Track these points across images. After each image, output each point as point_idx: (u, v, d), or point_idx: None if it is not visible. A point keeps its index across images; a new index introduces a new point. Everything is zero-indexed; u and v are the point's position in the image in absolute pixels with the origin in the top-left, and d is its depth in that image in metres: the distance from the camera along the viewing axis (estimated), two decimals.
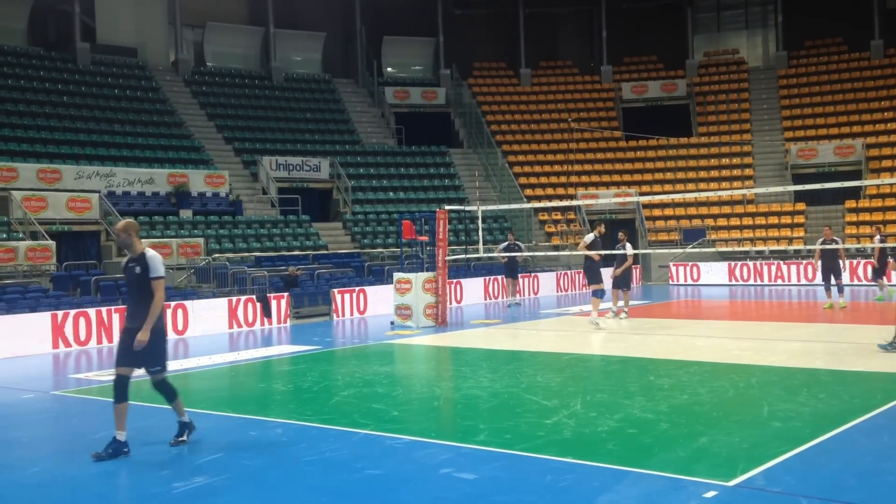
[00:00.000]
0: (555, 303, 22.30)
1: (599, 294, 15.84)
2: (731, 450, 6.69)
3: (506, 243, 21.81)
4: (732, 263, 26.14)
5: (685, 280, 26.82)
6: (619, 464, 6.45)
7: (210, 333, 16.35)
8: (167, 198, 24.15)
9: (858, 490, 5.58)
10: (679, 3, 38.06)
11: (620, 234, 17.61)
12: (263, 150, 28.85)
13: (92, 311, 14.92)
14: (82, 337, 14.75)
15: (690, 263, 26.81)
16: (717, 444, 6.88)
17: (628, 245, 16.96)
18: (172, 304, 15.75)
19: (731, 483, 5.79)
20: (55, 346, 14.42)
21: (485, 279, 23.34)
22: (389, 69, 37.58)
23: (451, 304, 21.49)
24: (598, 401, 9.00)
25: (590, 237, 16.04)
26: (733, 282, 25.96)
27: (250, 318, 17.11)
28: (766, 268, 25.57)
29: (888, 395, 8.40)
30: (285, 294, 18.12)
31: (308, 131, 31.61)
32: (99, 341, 14.97)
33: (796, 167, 30.62)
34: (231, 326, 16.78)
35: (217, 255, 21.74)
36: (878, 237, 19.64)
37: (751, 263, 25.86)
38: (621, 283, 17.00)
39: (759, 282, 25.55)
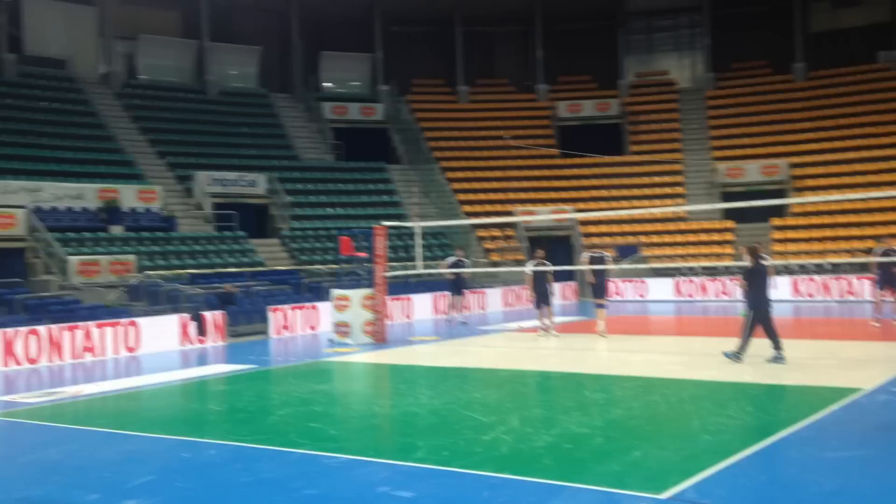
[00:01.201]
0: (500, 318, 22.40)
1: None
2: (664, 463, 6.85)
3: (453, 258, 21.25)
4: (679, 279, 26.53)
5: (633, 296, 27.14)
6: (555, 478, 6.54)
7: (144, 353, 15.94)
8: (97, 213, 23.50)
9: (783, 500, 5.78)
10: (611, 25, 39.00)
11: (538, 251, 17.52)
12: (198, 165, 28.35)
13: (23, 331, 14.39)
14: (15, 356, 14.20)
15: (637, 280, 27.17)
16: (649, 458, 7.04)
17: (546, 262, 17.20)
18: (118, 321, 15.30)
19: (663, 496, 5.93)
20: None
21: (434, 295, 23.35)
22: (327, 84, 37.44)
23: (400, 319, 21.74)
24: (535, 416, 9.11)
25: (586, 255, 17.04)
26: (678, 297, 26.37)
27: (183, 337, 16.74)
28: (709, 284, 26.02)
29: (813, 407, 8.72)
30: (220, 312, 17.80)
31: (244, 146, 31.21)
32: (26, 363, 14.44)
33: (725, 185, 31.59)
34: (164, 346, 16.38)
35: (150, 272, 21.23)
36: (881, 250, 16.73)
37: (696, 280, 26.30)
38: (547, 299, 16.76)
39: (704, 297, 25.95)
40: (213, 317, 17.44)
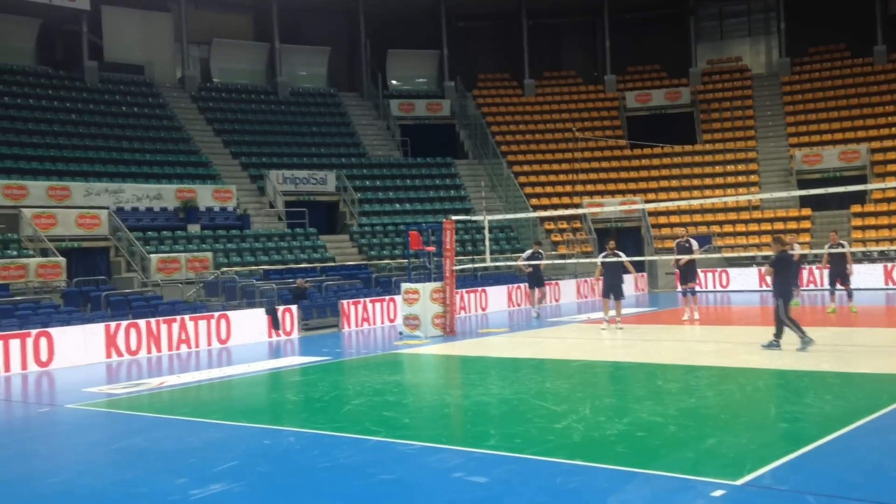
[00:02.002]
0: (573, 309, 22.26)
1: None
2: (739, 450, 6.78)
3: (530, 252, 20.97)
4: (764, 269, 25.53)
5: (714, 286, 26.52)
6: (628, 465, 6.55)
7: (234, 344, 16.49)
8: (175, 213, 24.35)
9: (864, 487, 5.66)
10: (682, 13, 38.23)
11: (611, 242, 17.33)
12: (270, 164, 29.07)
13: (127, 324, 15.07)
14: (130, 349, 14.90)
15: (719, 270, 26.54)
16: (724, 446, 6.97)
17: (621, 254, 16.94)
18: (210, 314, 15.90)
19: (739, 482, 5.88)
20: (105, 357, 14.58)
21: (508, 287, 23.71)
22: (394, 82, 37.83)
23: (475, 311, 22.14)
24: (607, 405, 9.10)
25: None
26: (764, 287, 25.39)
27: (269, 331, 17.24)
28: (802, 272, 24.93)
29: (894, 395, 8.48)
30: (293, 306, 18.25)
31: (314, 145, 31.83)
32: (119, 354, 15.11)
33: (801, 173, 30.66)
34: (238, 339, 16.90)
35: (225, 268, 21.90)
36: (828, 245, 18.49)
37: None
38: (617, 291, 16.46)
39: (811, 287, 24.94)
40: (286, 311, 17.89)
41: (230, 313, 16.94)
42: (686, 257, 17.43)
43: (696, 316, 17.61)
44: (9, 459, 8.03)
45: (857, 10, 34.90)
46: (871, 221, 27.69)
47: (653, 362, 11.84)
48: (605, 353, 13.58)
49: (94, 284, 19.59)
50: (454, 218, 18.39)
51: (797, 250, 18.75)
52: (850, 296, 17.71)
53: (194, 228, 24.16)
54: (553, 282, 24.88)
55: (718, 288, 26.46)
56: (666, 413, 8.41)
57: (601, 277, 16.76)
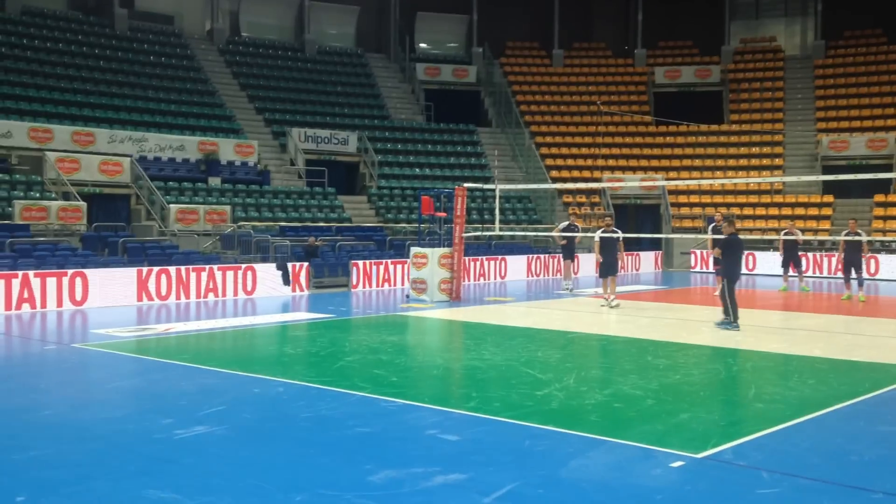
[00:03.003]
0: (592, 283, 22.34)
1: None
2: (708, 426, 6.93)
3: (566, 223, 20.59)
4: (817, 255, 25.18)
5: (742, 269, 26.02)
6: (597, 433, 6.72)
7: (227, 298, 16.85)
8: (197, 165, 24.66)
9: (820, 468, 5.79)
10: None
11: (607, 218, 17.26)
12: (293, 122, 29.24)
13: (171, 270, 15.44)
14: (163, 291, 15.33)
15: (746, 252, 26.03)
16: (695, 421, 7.12)
17: (618, 230, 16.74)
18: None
19: (700, 455, 6.03)
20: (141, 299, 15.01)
21: (528, 257, 24.04)
22: (422, 45, 37.68)
23: (494, 279, 22.52)
24: (592, 377, 9.26)
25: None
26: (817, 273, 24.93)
27: (274, 285, 17.60)
28: (825, 259, 24.81)
29: (878, 383, 8.55)
30: (305, 264, 18.53)
31: (338, 104, 31.93)
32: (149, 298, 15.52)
33: (827, 158, 30.28)
34: (251, 292, 17.25)
35: (243, 223, 22.21)
36: (784, 231, 20.15)
37: (809, 255, 25.02)
38: (613, 269, 16.27)
39: (817, 273, 24.80)
40: (299, 268, 18.18)
41: (256, 266, 17.42)
42: (784, 238, 18.77)
43: (807, 289, 19.07)
44: (8, 392, 8.38)
45: None
46: (894, 212, 27.35)
47: (648, 338, 11.95)
48: (602, 326, 13.71)
49: (113, 230, 20.00)
50: (466, 185, 18.49)
51: (799, 236, 19.54)
52: (860, 284, 17.65)
53: (215, 181, 24.47)
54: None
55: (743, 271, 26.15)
56: (647, 387, 8.55)
57: (598, 253, 16.38)
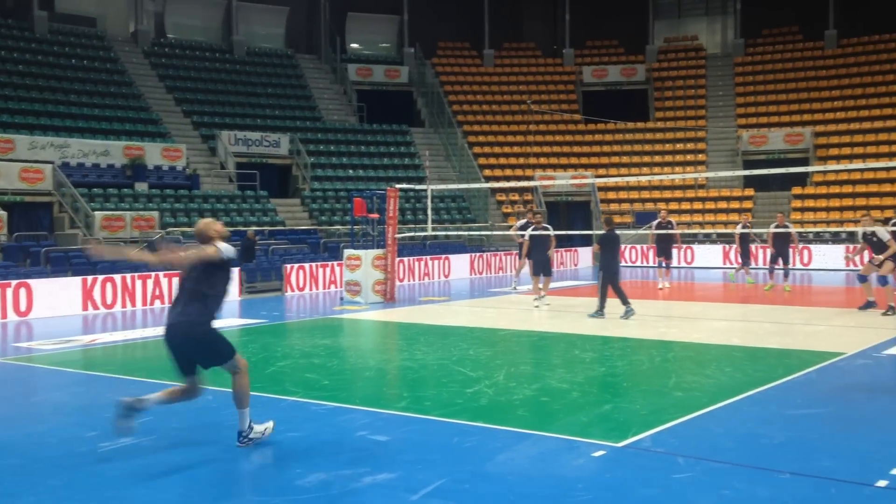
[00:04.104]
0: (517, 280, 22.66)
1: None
2: (630, 416, 7.18)
3: (524, 220, 19.17)
4: (727, 246, 25.88)
5: (679, 262, 26.39)
6: (524, 427, 6.90)
7: (156, 307, 16.57)
8: (122, 170, 24.11)
9: (732, 451, 6.07)
10: None
11: (537, 215, 17.27)
12: (222, 125, 28.84)
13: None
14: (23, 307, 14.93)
15: (684, 246, 26.25)
16: (618, 411, 7.37)
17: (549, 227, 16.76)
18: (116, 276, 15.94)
19: (621, 444, 6.26)
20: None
21: (471, 256, 24.46)
22: (353, 45, 37.58)
23: (439, 278, 22.91)
24: (521, 372, 9.46)
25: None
26: (727, 264, 25.57)
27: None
28: (761, 251, 25.37)
29: (790, 369, 8.96)
30: (237, 269, 18.33)
31: (269, 106, 31.61)
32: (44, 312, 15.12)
33: (747, 153, 31.36)
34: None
35: (172, 228, 21.83)
36: (740, 225, 20.47)
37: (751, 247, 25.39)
38: (547, 268, 16.23)
39: (756, 265, 25.26)
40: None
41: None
42: (656, 232, 18.69)
43: (668, 285, 19.11)
44: None
45: None
46: (811, 203, 28.49)
47: (576, 333, 12.24)
48: (533, 323, 13.95)
49: (35, 240, 19.43)
50: (398, 186, 18.57)
51: (791, 229, 19.03)
52: (786, 275, 18.37)
53: (141, 187, 23.97)
54: (497, 252, 25.34)
55: (683, 264, 26.80)
56: (573, 380, 8.79)
57: (527, 253, 16.35)
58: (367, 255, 17.27)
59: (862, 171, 27.18)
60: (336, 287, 19.74)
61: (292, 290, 19.25)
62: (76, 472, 5.91)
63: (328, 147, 30.93)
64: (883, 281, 13.80)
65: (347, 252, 17.66)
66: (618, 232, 14.13)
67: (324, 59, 36.12)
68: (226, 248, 6.33)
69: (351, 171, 30.35)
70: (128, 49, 30.97)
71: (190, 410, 7.78)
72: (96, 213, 20.91)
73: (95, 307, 15.80)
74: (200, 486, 5.57)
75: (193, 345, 6.38)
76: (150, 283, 16.66)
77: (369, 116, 34.11)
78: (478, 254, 24.83)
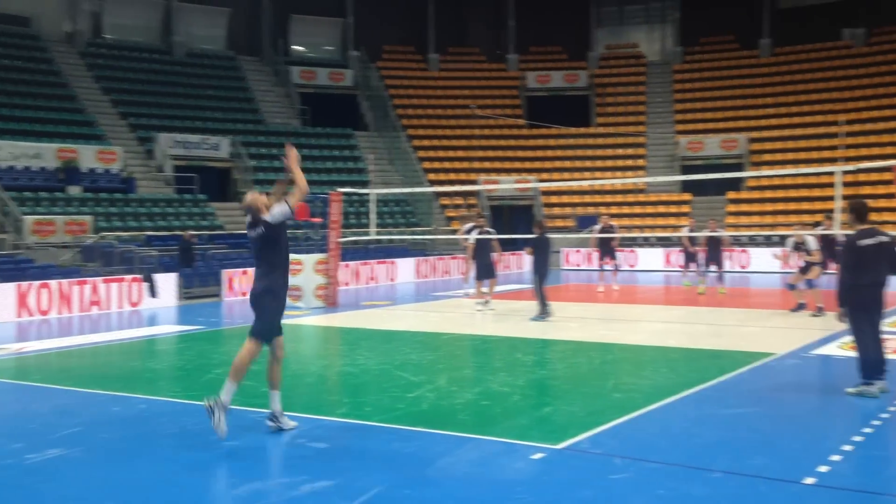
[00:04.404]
0: (460, 284, 22.72)
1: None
2: (569, 418, 7.24)
3: (470, 225, 17.74)
4: (667, 250, 26.39)
5: (624, 265, 26.55)
6: (465, 432, 6.89)
7: (93, 313, 16.12)
8: (55, 173, 23.40)
9: (666, 451, 6.17)
10: None
11: (479, 219, 16.82)
12: (160, 127, 28.23)
13: None
14: None
15: (629, 248, 26.80)
16: (557, 413, 7.42)
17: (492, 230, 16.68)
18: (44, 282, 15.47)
19: (559, 446, 6.30)
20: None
21: (416, 259, 24.58)
22: (297, 48, 37.22)
23: (386, 282, 23.00)
24: (463, 376, 9.47)
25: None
26: (668, 267, 26.09)
27: (135, 298, 16.92)
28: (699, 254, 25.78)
29: (723, 369, 9.16)
30: (174, 274, 17.96)
31: (209, 108, 31.07)
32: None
33: (685, 159, 32.05)
34: (120, 306, 16.57)
35: (106, 233, 21.26)
36: (685, 229, 20.68)
37: (654, 250, 26.16)
38: (491, 271, 15.91)
39: (668, 267, 25.76)
40: (166, 278, 17.58)
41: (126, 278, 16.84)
42: (597, 236, 18.83)
43: (616, 287, 19.28)
44: None
45: (746, 4, 36.51)
46: (745, 208, 29.24)
47: (518, 336, 12.30)
48: (476, 327, 13.98)
49: None
50: (341, 190, 18.44)
51: (723, 233, 19.53)
52: (720, 278, 18.79)
53: (75, 190, 23.30)
54: (441, 256, 25.39)
55: (626, 267, 26.98)
56: (515, 384, 8.82)
57: (471, 256, 16.18)
58: (309, 259, 17.10)
59: (794, 176, 28.01)
60: None
61: (231, 296, 18.93)
62: (1, 486, 5.68)
63: (270, 150, 30.54)
64: (810, 284, 14.30)
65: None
66: (549, 236, 14.38)
67: (266, 61, 35.69)
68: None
69: None
70: (63, 49, 30.11)
71: (123, 420, 7.58)
72: (26, 217, 20.26)
73: (31, 314, 15.24)
74: (133, 498, 5.41)
75: None
76: (87, 289, 16.10)
77: (313, 119, 33.81)
78: (423, 258, 24.85)
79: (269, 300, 6.93)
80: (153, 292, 17.12)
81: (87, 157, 24.13)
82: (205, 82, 32.36)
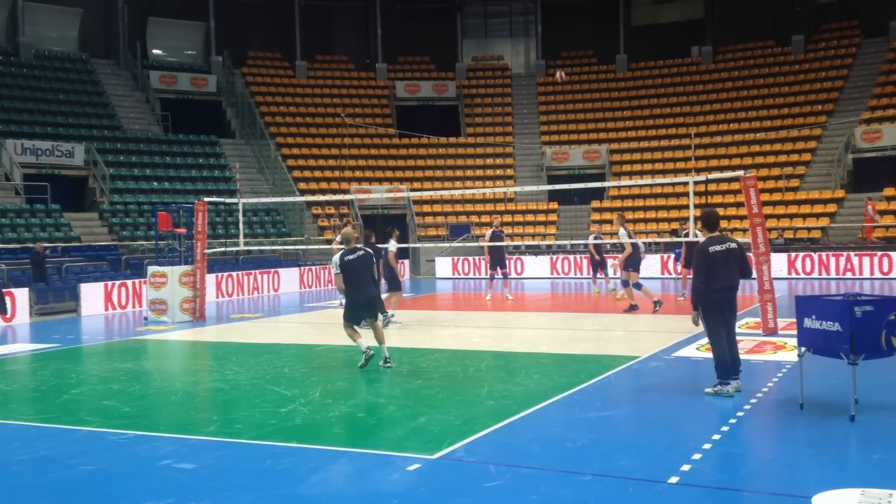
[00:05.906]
0: (326, 296, 22.52)
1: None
2: (445, 427, 7.27)
3: (399, 237, 16.51)
4: (553, 257, 26.74)
5: (511, 273, 26.53)
6: (340, 445, 6.80)
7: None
8: None
9: (539, 456, 6.32)
10: (450, 7, 39.68)
11: (395, 231, 16.33)
12: (7, 133, 26.40)
13: None
14: None
15: (515, 257, 26.89)
16: (433, 423, 7.44)
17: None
18: None
19: (435, 456, 6.32)
20: None
21: (300, 269, 24.43)
22: (156, 52, 35.76)
23: (268, 293, 22.93)
24: (338, 388, 9.34)
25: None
26: (554, 275, 26.57)
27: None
28: (564, 262, 26.44)
29: (591, 374, 9.49)
30: (26, 289, 16.78)
31: (61, 114, 29.32)
32: None
33: (551, 169, 33.13)
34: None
35: None
36: (592, 236, 20.97)
37: (571, 258, 26.50)
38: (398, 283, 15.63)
39: (578, 275, 26.31)
40: (8, 295, 16.40)
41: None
42: (492, 244, 18.65)
43: (510, 297, 19.16)
44: None
45: (603, 21, 38.22)
46: (609, 216, 30.49)
47: (394, 346, 12.25)
48: (348, 338, 13.81)
49: None
50: (206, 200, 17.84)
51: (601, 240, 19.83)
52: (607, 282, 19.70)
53: None
54: (317, 266, 25.10)
55: (514, 275, 27.21)
56: (391, 394, 8.80)
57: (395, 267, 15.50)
58: (174, 271, 16.42)
59: (651, 185, 29.53)
60: (139, 306, 18.59)
61: (89, 311, 17.89)
62: None
63: (129, 158, 29.17)
64: (626, 284, 15.31)
65: (152, 269, 16.70)
66: (380, 246, 14.69)
67: (123, 64, 34.08)
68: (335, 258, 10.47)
69: (155, 184, 28.79)
70: None
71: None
72: None
73: None
74: None
75: None
76: None
77: (175, 126, 32.56)
78: (307, 267, 24.64)
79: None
80: (4, 309, 15.92)
81: None
82: (55, 86, 30.54)
